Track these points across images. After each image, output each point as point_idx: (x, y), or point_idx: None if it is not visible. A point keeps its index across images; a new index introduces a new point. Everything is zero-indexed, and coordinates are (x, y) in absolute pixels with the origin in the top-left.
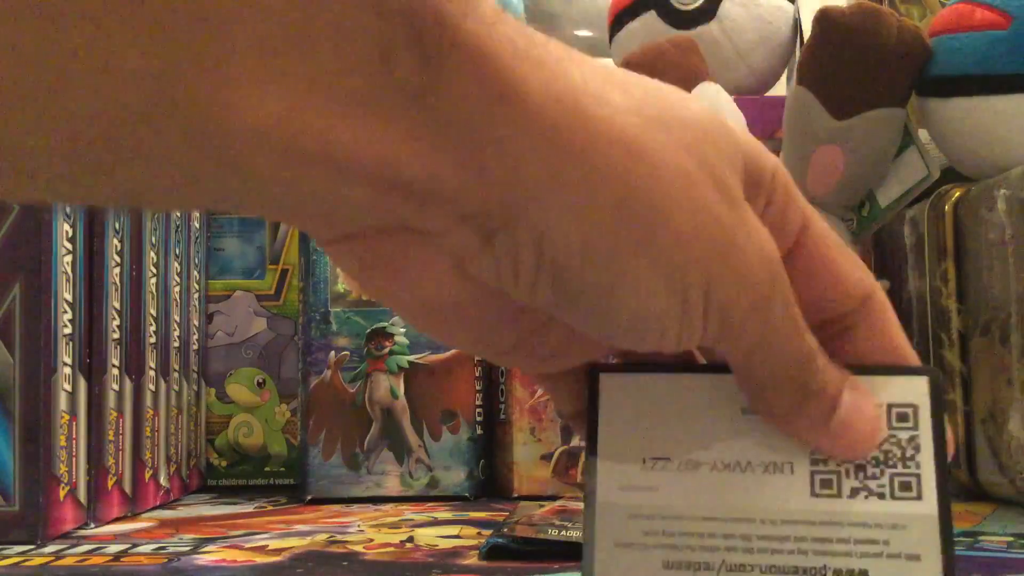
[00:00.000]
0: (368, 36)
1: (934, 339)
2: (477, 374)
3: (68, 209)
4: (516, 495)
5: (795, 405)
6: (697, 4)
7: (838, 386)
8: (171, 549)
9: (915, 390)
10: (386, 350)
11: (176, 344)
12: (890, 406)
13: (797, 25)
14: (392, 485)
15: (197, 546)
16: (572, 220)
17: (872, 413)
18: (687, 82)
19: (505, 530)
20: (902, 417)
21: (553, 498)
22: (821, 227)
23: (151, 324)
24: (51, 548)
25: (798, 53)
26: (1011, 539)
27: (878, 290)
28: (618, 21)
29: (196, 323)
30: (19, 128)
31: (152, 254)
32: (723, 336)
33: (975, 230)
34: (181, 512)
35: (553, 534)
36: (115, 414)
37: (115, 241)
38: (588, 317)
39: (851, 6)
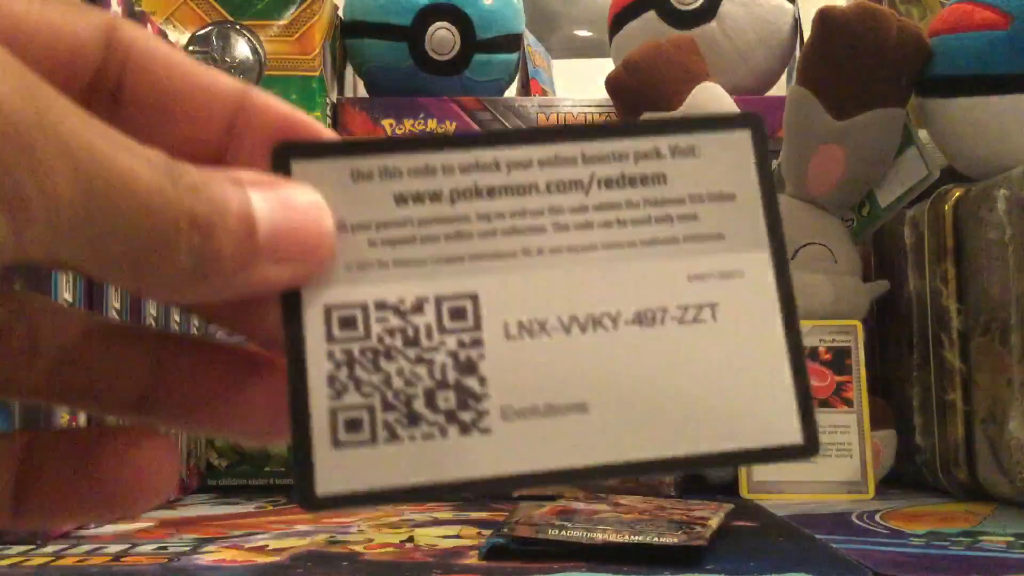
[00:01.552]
0: None
1: (934, 339)
2: None
3: None
4: (516, 495)
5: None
6: (697, 4)
7: (222, 201)
8: (171, 549)
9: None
10: None
11: None
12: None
13: (797, 25)
14: None
15: (197, 546)
16: None
17: (304, 205)
18: (687, 82)
19: (505, 530)
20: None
21: (553, 498)
22: (151, 39)
23: (151, 324)
24: (51, 548)
25: (798, 53)
26: (1011, 539)
27: (249, 86)
28: (618, 21)
29: (196, 323)
30: None
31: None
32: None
33: (975, 230)
34: (181, 512)
35: (553, 534)
36: None
37: None
38: None
39: (851, 6)
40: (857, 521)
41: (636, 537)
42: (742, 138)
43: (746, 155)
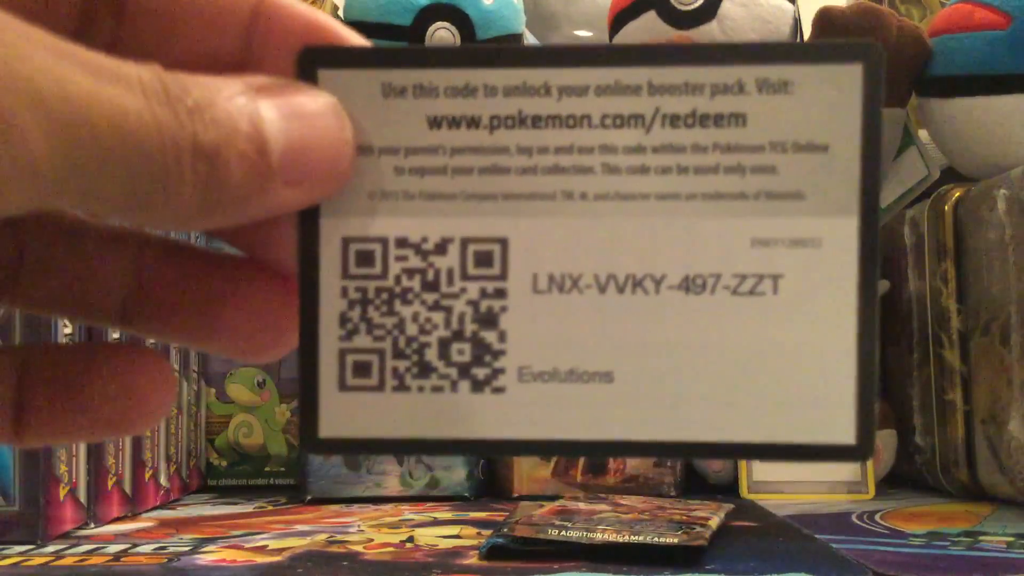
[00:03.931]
0: None
1: (934, 339)
2: None
3: None
4: (516, 495)
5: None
6: (697, 4)
7: (229, 123)
8: (171, 549)
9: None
10: None
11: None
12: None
13: (797, 25)
14: (392, 485)
15: (197, 546)
16: None
17: (320, 114)
18: None
19: (505, 530)
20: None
21: (553, 498)
22: None
23: None
24: (51, 548)
25: None
26: (1011, 539)
27: None
28: (618, 21)
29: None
30: None
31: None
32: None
33: (975, 230)
34: (181, 512)
35: (553, 534)
36: None
37: None
38: None
39: (851, 6)
40: (857, 521)
41: (636, 537)
42: (851, 74)
43: (852, 96)
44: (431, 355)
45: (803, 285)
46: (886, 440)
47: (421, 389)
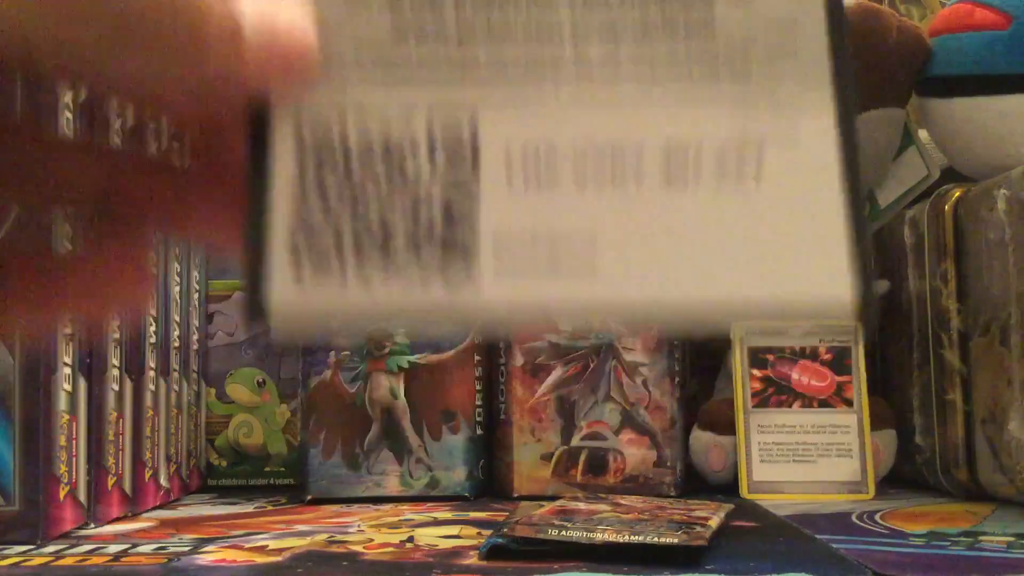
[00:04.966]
0: None
1: (934, 339)
2: (477, 374)
3: None
4: (516, 495)
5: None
6: None
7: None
8: (171, 549)
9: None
10: (386, 350)
11: (176, 344)
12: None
13: None
14: (392, 485)
15: (197, 546)
16: None
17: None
18: None
19: (505, 530)
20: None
21: (553, 498)
22: None
23: (151, 324)
24: (51, 548)
25: None
26: (1011, 539)
27: None
28: None
29: (196, 323)
30: None
31: (152, 254)
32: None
33: (975, 230)
34: (181, 512)
35: (553, 534)
36: (115, 414)
37: None
38: None
39: (851, 6)
40: (857, 521)
41: (636, 537)
42: None
43: None
44: (397, 245)
45: (785, 159)
46: (886, 440)
47: (385, 281)
